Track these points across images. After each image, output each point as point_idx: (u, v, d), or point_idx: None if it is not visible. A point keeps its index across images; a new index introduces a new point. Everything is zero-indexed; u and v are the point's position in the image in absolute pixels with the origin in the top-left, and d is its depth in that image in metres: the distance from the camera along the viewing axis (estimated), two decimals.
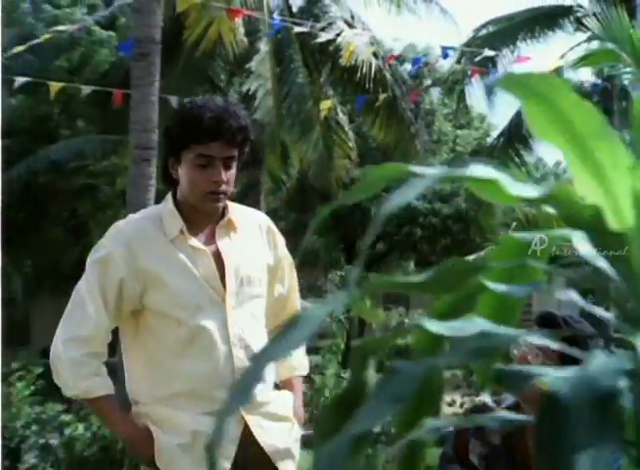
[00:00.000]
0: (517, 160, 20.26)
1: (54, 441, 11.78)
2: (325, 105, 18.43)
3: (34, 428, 11.96)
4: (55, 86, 16.16)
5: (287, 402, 3.54)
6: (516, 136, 19.92)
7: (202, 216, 3.44)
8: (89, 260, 3.42)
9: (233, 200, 3.57)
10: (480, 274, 1.16)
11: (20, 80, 16.76)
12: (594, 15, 16.73)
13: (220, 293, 3.39)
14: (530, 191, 1.07)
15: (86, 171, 22.58)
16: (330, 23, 19.18)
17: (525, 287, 1.23)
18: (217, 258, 3.42)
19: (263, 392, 3.37)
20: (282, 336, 1.06)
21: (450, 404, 11.42)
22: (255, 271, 3.49)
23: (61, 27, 17.27)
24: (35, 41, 16.18)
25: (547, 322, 3.48)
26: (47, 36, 16.11)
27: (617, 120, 20.35)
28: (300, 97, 19.46)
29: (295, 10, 20.85)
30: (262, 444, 3.36)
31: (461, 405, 11.30)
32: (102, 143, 21.67)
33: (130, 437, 3.36)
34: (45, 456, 11.79)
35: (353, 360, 1.17)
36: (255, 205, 20.63)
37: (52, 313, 8.46)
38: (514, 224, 11.64)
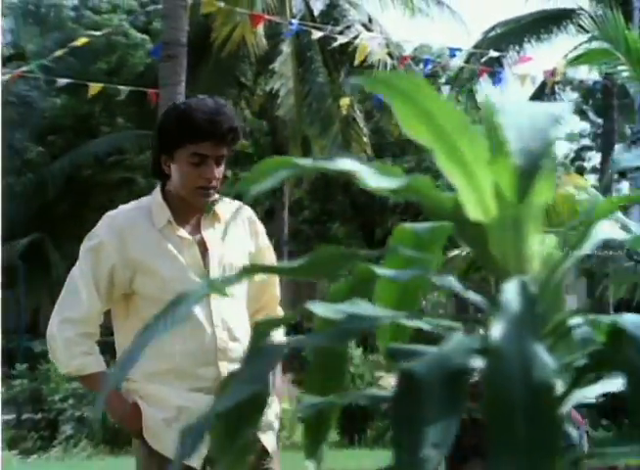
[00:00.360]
0: None
1: (89, 413, 11.90)
2: (344, 102, 18.44)
3: (71, 401, 12.08)
4: (94, 87, 16.23)
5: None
6: None
7: (188, 208, 3.42)
8: (83, 248, 3.41)
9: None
10: (354, 261, 1.17)
11: (61, 81, 16.94)
12: (591, 17, 16.69)
13: (204, 276, 3.38)
14: (388, 182, 1.07)
15: (124, 165, 22.73)
16: (348, 26, 19.18)
17: (405, 272, 1.23)
18: (202, 246, 3.41)
19: None
20: (161, 318, 1.07)
21: None
22: (238, 259, 3.46)
23: (95, 32, 17.32)
24: (72, 44, 16.24)
25: None
26: (84, 40, 16.16)
27: (617, 114, 20.34)
28: (321, 95, 19.49)
29: (316, 13, 20.90)
30: None
31: None
32: (139, 138, 21.76)
33: (120, 411, 3.38)
34: (80, 428, 11.91)
35: (251, 338, 1.17)
36: (280, 195, 20.75)
37: None
38: None
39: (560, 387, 1.15)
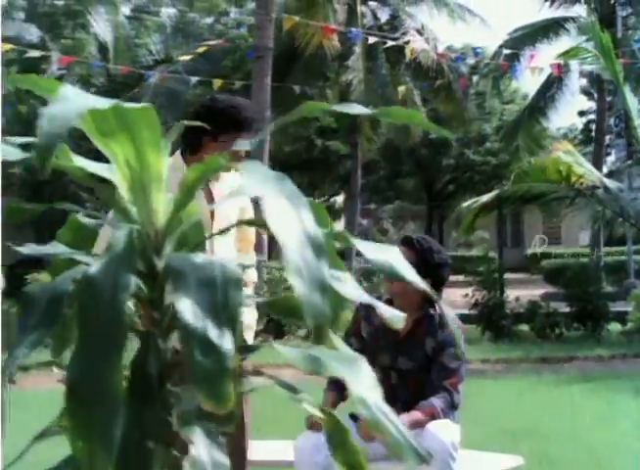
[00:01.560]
0: (537, 127, 19.87)
1: None
2: (401, 89, 18.40)
3: None
4: (217, 82, 16.44)
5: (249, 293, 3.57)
6: (536, 110, 19.55)
7: None
8: None
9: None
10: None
11: (194, 79, 17.24)
12: (574, 23, 16.28)
13: (209, 221, 3.38)
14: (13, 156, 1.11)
15: None
16: (404, 32, 19.04)
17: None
18: (209, 198, 3.40)
19: None
20: None
21: (465, 296, 11.34)
22: (232, 210, 3.47)
23: (212, 42, 17.49)
24: (197, 51, 16.47)
25: (406, 242, 3.43)
26: (202, 49, 16.43)
27: (612, 96, 19.78)
28: (384, 84, 19.40)
29: (383, 21, 20.78)
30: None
31: (472, 297, 11.20)
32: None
33: None
34: None
35: None
36: (355, 158, 20.71)
37: None
38: (514, 173, 11.32)
39: None
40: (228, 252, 3.41)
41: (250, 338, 3.48)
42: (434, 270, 3.31)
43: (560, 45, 18.84)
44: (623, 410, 6.47)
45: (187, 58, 17.19)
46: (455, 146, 27.11)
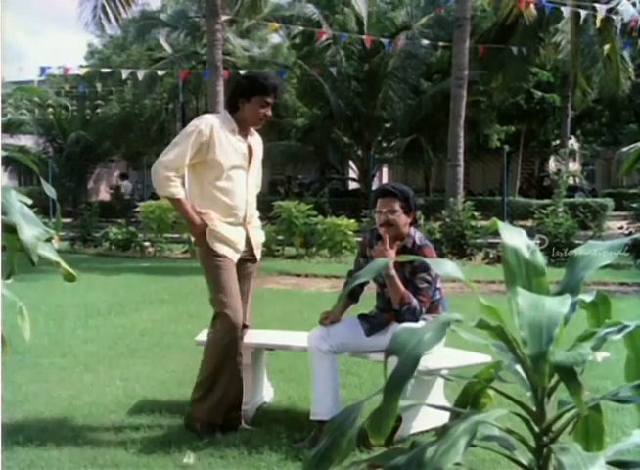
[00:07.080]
0: None
1: None
2: (605, 47, 17.62)
3: None
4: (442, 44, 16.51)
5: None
6: None
7: (243, 125, 3.76)
8: (193, 124, 3.70)
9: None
10: None
11: (424, 42, 17.41)
12: None
13: (245, 166, 3.77)
14: None
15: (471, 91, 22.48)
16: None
17: None
18: (249, 148, 3.77)
19: (254, 217, 3.89)
20: None
21: (620, 228, 11.10)
22: (261, 157, 3.90)
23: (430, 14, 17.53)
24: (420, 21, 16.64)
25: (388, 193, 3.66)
26: (425, 19, 16.63)
27: None
28: (590, 44, 18.56)
29: None
30: (252, 239, 3.87)
31: (627, 229, 10.94)
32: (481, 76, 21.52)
33: (193, 219, 3.68)
34: None
35: None
36: (565, 109, 20.03)
37: None
38: None
39: None
40: (255, 186, 3.88)
41: (258, 253, 3.90)
42: (414, 209, 3.62)
43: None
44: None
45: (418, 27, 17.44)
46: None
